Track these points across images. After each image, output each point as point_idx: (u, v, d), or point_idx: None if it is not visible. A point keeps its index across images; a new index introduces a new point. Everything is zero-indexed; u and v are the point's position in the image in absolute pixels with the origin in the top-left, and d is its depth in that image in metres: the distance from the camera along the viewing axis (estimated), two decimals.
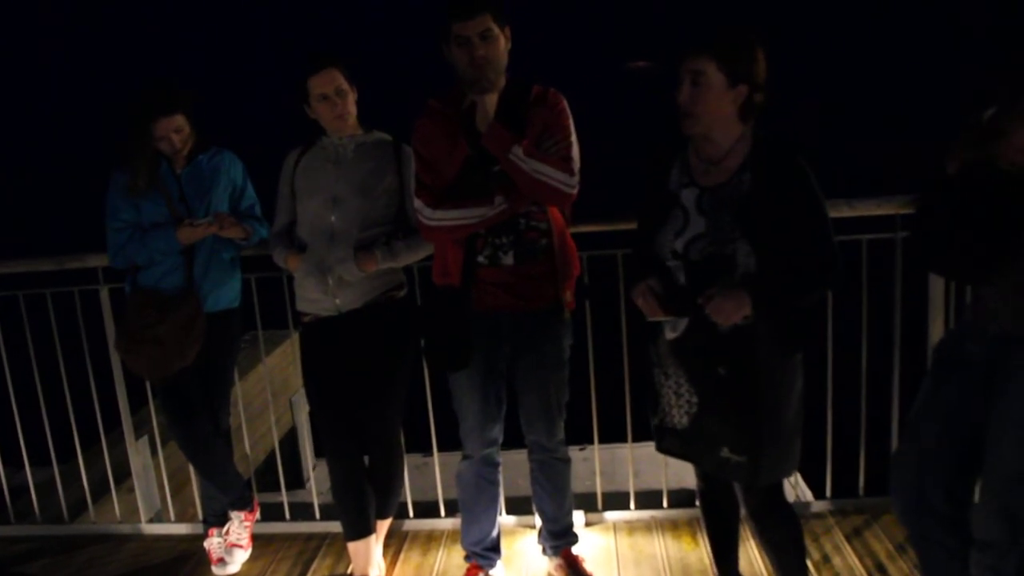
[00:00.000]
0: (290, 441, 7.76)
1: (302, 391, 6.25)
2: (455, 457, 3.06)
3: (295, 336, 3.22)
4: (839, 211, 3.10)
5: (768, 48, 2.31)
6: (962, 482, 2.10)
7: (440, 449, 3.67)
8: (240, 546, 3.45)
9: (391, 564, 3.34)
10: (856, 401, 3.37)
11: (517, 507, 3.59)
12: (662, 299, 2.34)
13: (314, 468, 7.71)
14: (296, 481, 7.32)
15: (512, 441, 3.09)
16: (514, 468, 3.35)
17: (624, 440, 3.62)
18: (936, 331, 3.15)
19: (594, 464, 3.66)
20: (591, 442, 3.66)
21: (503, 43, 2.63)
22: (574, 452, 3.15)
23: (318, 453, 7.71)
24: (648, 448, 2.86)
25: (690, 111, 2.28)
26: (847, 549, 3.17)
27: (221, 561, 3.40)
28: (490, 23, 2.57)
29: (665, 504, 3.58)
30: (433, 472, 3.70)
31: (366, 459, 3.12)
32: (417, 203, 2.71)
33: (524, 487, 3.22)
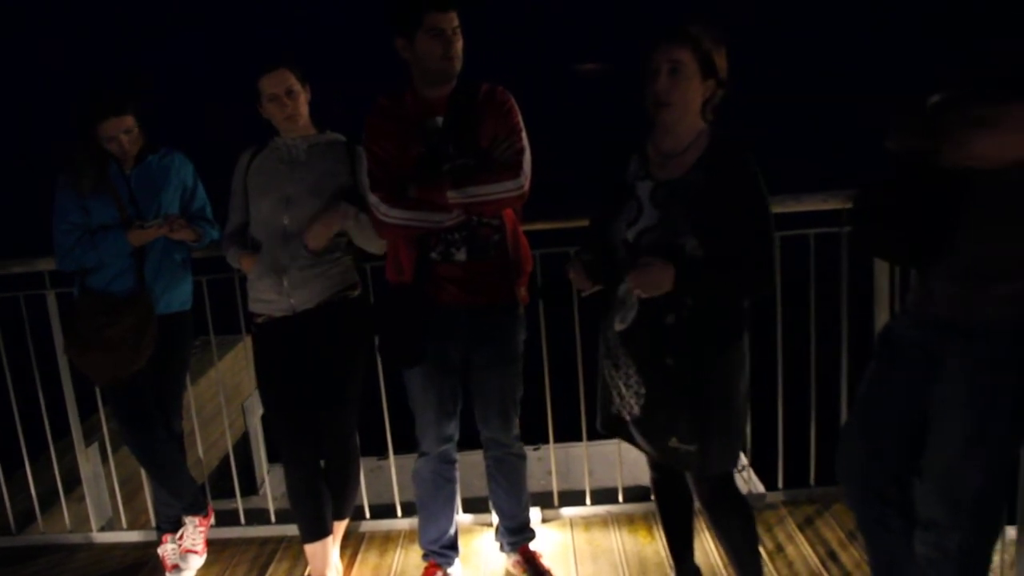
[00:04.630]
0: (243, 446, 7.67)
1: (255, 396, 6.16)
2: (411, 460, 3.06)
3: (247, 340, 3.19)
4: (786, 206, 3.16)
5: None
6: (906, 464, 2.15)
7: (396, 452, 3.66)
8: (195, 552, 3.40)
9: (348, 565, 3.33)
10: (806, 393, 3.43)
11: (474, 507, 3.59)
12: (590, 268, 2.38)
13: (268, 473, 7.63)
14: (250, 487, 7.23)
15: (468, 442, 3.10)
16: (470, 468, 3.36)
17: (578, 439, 3.65)
18: (881, 322, 3.22)
19: (549, 463, 3.68)
20: (545, 441, 3.69)
21: (462, 45, 2.66)
22: (528, 452, 3.16)
23: (271, 458, 7.64)
24: (602, 446, 2.91)
25: (666, 100, 2.30)
26: (800, 538, 3.23)
27: (176, 567, 3.36)
28: (457, 19, 2.60)
29: (621, 500, 3.61)
30: (389, 474, 3.69)
31: (321, 461, 3.11)
32: (373, 199, 2.71)
33: (480, 487, 3.23)
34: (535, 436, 3.64)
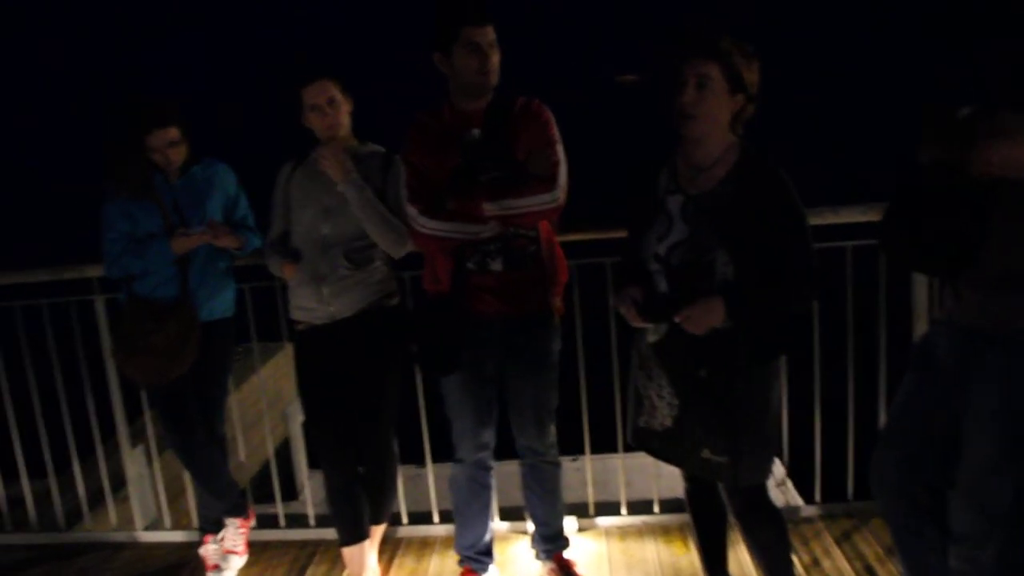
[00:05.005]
0: (284, 452, 7.77)
1: (296, 402, 6.25)
2: (449, 468, 3.10)
3: (288, 348, 3.25)
4: (824, 218, 3.15)
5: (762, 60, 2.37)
6: (941, 475, 2.14)
7: (434, 460, 3.70)
8: (236, 552, 3.48)
9: (385, 569, 3.37)
10: (844, 406, 3.41)
11: (511, 516, 3.62)
12: (641, 306, 2.39)
13: (308, 479, 7.73)
14: (290, 492, 7.33)
15: (506, 452, 3.14)
16: (507, 478, 3.40)
17: (615, 450, 3.66)
18: (920, 333, 3.19)
19: (586, 474, 3.70)
20: (583, 452, 3.71)
21: (499, 58, 2.70)
22: (566, 463, 3.19)
23: (312, 464, 7.72)
24: (639, 458, 2.90)
25: (692, 113, 2.31)
26: (836, 552, 3.21)
27: (217, 567, 3.43)
28: (494, 33, 2.64)
29: (656, 510, 3.62)
30: (427, 483, 3.74)
31: (360, 467, 3.16)
32: (411, 210, 2.75)
33: (518, 497, 3.26)
34: (572, 447, 3.66)
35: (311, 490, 4.44)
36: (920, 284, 3.19)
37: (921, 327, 3.19)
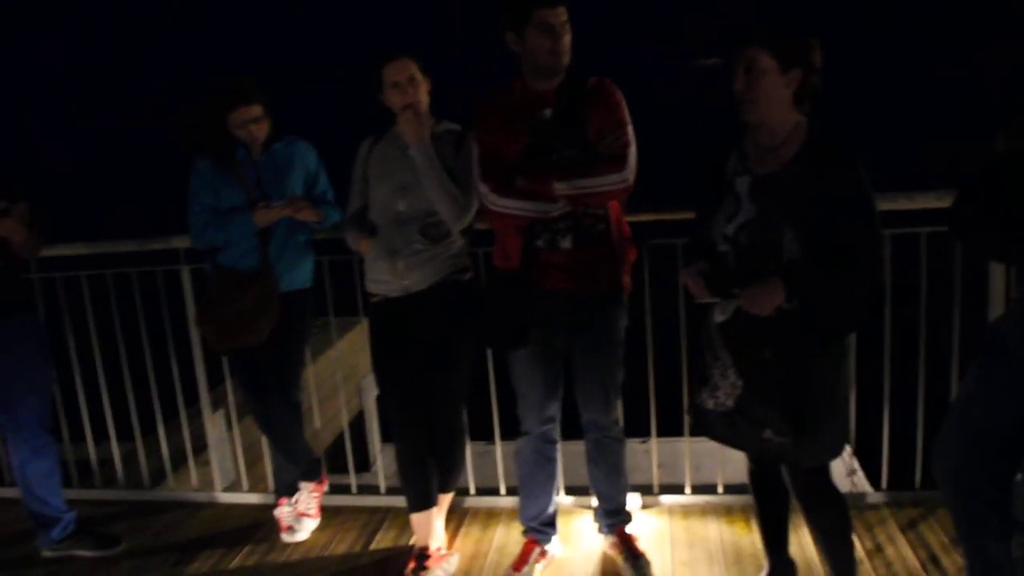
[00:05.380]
0: (358, 425, 7.97)
1: (370, 376, 6.40)
2: (516, 445, 3.20)
3: (364, 323, 3.36)
4: (899, 204, 3.13)
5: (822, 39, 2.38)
6: (1006, 465, 2.13)
7: (503, 438, 3.79)
8: (309, 515, 3.62)
9: (452, 537, 3.47)
10: (914, 393, 3.38)
11: (577, 493, 3.69)
12: (709, 280, 2.42)
13: (380, 452, 7.92)
14: (363, 464, 7.53)
15: (573, 431, 3.21)
16: (574, 457, 3.47)
17: (682, 433, 3.69)
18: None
19: (652, 456, 3.76)
20: (650, 435, 3.76)
21: (570, 40, 2.74)
22: (635, 445, 3.25)
23: (385, 438, 7.91)
24: (706, 443, 2.95)
25: (745, 97, 2.36)
26: (900, 540, 3.19)
27: (290, 529, 3.58)
28: (566, 14, 2.69)
29: (720, 491, 3.64)
30: (495, 459, 3.83)
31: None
32: (483, 188, 2.83)
33: (584, 476, 3.32)
34: (641, 430, 3.71)
35: (383, 462, 4.57)
36: (996, 271, 3.14)
37: (995, 314, 3.14)
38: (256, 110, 3.25)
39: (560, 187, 2.69)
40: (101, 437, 4.24)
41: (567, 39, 2.71)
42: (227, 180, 3.30)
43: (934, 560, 3.05)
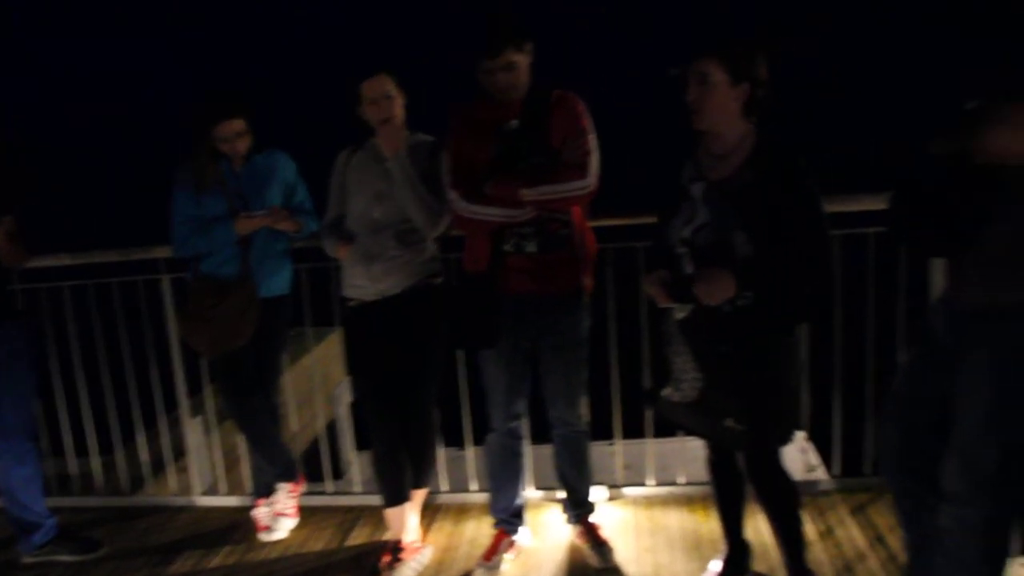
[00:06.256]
0: (331, 433, 8.06)
1: (343, 384, 6.49)
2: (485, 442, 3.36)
3: (338, 333, 3.50)
4: (846, 206, 3.30)
5: (771, 49, 2.57)
6: (936, 442, 2.32)
7: (474, 444, 3.92)
8: (286, 515, 3.75)
9: (425, 531, 3.61)
10: (864, 384, 3.60)
11: (546, 490, 3.85)
12: (670, 287, 2.61)
13: (354, 459, 8.01)
14: (336, 472, 7.61)
15: (542, 436, 3.41)
16: (542, 460, 3.66)
17: (644, 435, 3.89)
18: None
19: (619, 458, 3.96)
20: (613, 437, 3.95)
21: (525, 66, 2.93)
22: (600, 447, 3.43)
23: (358, 445, 8.01)
24: (669, 444, 3.13)
25: (698, 108, 2.55)
26: (850, 522, 3.39)
27: (268, 528, 3.71)
28: (512, 56, 2.87)
29: (681, 482, 3.83)
30: (465, 463, 4.00)
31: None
32: (452, 195, 3.00)
33: (552, 477, 3.52)
34: (604, 432, 3.89)
35: (358, 468, 4.70)
36: (937, 266, 3.34)
37: None
38: (239, 124, 3.40)
39: (526, 193, 2.87)
40: (81, 448, 4.33)
41: (514, 76, 2.89)
42: (209, 191, 3.44)
43: (880, 540, 3.24)
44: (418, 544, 3.44)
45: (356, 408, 3.67)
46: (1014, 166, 2.02)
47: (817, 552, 3.18)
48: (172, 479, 4.37)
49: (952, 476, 2.23)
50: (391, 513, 3.41)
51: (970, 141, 2.06)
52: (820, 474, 4.70)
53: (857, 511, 3.47)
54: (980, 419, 2.16)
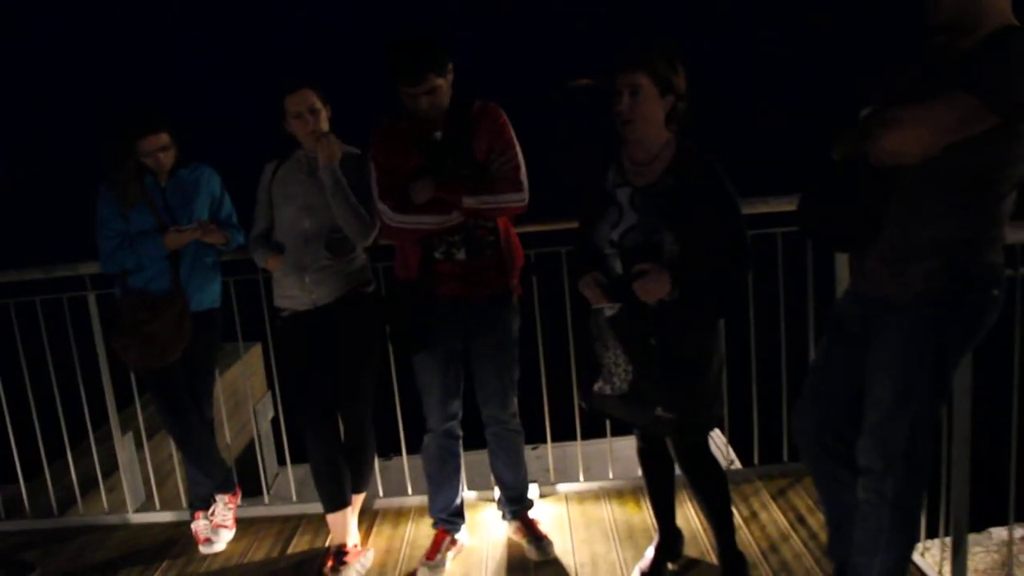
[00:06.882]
0: (249, 451, 7.97)
1: (264, 400, 6.47)
2: (419, 460, 3.45)
3: (256, 348, 3.53)
4: (757, 208, 3.48)
5: (687, 61, 2.73)
6: (850, 424, 2.49)
7: (408, 451, 4.01)
8: (225, 526, 3.76)
9: (365, 536, 3.67)
10: (778, 377, 3.79)
11: (480, 490, 3.97)
12: (605, 288, 2.74)
13: (276, 476, 7.96)
14: (256, 489, 7.54)
15: (476, 441, 3.50)
16: (474, 467, 3.76)
17: (573, 438, 4.02)
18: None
19: (547, 462, 4.09)
20: (544, 441, 4.08)
21: (446, 86, 3.00)
22: (528, 452, 3.54)
23: (284, 460, 7.94)
24: (596, 445, 3.24)
25: (630, 118, 2.68)
26: (772, 506, 3.58)
27: (208, 541, 3.71)
28: (433, 80, 2.93)
29: (611, 476, 3.97)
30: (399, 470, 4.07)
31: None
32: (381, 206, 3.07)
33: (487, 481, 3.63)
34: (534, 437, 4.00)
35: (282, 483, 4.70)
36: (841, 261, 3.54)
37: None
38: (164, 138, 3.40)
39: (468, 201, 2.97)
40: (11, 473, 4.25)
41: (435, 98, 2.95)
42: (136, 205, 3.44)
43: (801, 520, 3.44)
44: (360, 548, 3.50)
45: (276, 423, 3.67)
46: (908, 167, 2.20)
47: (744, 535, 3.35)
48: (104, 497, 4.32)
49: (867, 452, 2.40)
50: (333, 518, 3.46)
51: (867, 145, 2.24)
52: (738, 465, 4.91)
53: (778, 495, 3.66)
54: (890, 398, 2.34)
